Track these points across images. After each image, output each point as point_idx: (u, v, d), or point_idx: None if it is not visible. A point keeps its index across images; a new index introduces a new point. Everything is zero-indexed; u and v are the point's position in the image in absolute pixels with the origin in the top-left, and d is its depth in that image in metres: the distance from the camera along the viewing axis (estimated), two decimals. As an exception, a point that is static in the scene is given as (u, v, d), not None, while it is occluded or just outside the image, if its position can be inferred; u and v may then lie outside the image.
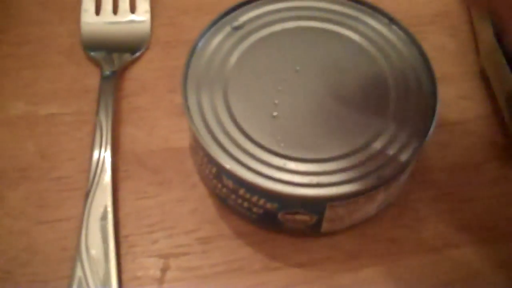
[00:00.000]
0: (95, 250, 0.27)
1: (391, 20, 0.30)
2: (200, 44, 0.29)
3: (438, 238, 0.29)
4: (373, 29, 0.30)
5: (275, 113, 0.27)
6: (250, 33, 0.29)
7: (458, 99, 0.34)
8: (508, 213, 0.30)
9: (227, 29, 0.29)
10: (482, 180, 0.31)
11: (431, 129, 0.26)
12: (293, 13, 0.30)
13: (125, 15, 0.35)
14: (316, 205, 0.26)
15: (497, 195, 0.30)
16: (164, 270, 0.28)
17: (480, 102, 0.34)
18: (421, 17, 0.37)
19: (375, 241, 0.29)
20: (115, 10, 0.35)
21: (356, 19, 0.30)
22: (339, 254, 0.28)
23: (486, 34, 0.34)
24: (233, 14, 0.30)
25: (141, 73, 0.34)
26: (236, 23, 0.30)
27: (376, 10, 0.30)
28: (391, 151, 0.26)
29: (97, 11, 0.35)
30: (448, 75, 0.35)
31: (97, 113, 0.31)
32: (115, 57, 0.34)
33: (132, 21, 0.35)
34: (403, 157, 0.26)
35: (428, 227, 0.29)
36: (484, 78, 0.34)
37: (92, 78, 0.33)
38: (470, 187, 0.31)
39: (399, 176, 0.26)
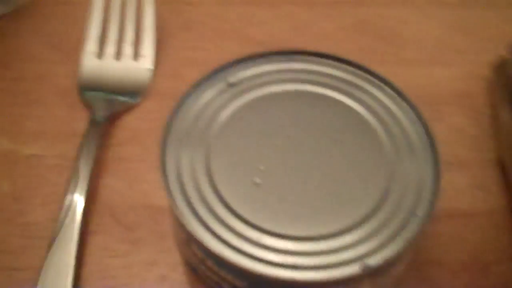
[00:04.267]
0: (47, 307, 0.25)
1: (400, 95, 0.28)
2: (189, 98, 0.27)
3: None
4: (379, 102, 0.27)
5: (258, 180, 0.25)
6: (245, 91, 0.27)
7: (472, 188, 0.31)
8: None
9: (222, 85, 0.28)
10: (489, 284, 0.27)
11: (427, 219, 0.23)
12: (295, 75, 0.28)
13: (127, 62, 0.34)
14: (289, 289, 0.23)
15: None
16: None
17: (495, 194, 0.31)
18: (440, 96, 0.35)
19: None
20: (118, 55, 0.34)
21: (362, 89, 0.28)
22: None
23: (508, 120, 0.32)
24: (230, 70, 0.28)
25: (134, 123, 0.32)
26: (232, 79, 0.28)
27: (385, 83, 0.28)
28: (380, 238, 0.23)
29: (100, 54, 0.34)
30: (463, 160, 0.32)
31: (77, 158, 0.29)
32: (110, 102, 0.32)
33: (134, 68, 0.34)
34: (394, 247, 0.23)
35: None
36: (501, 167, 0.32)
37: (83, 122, 0.32)
38: (474, 290, 0.27)
39: (387, 268, 0.23)
